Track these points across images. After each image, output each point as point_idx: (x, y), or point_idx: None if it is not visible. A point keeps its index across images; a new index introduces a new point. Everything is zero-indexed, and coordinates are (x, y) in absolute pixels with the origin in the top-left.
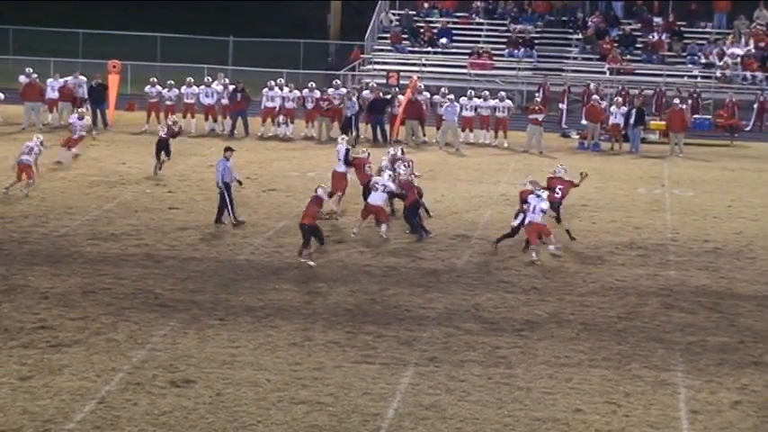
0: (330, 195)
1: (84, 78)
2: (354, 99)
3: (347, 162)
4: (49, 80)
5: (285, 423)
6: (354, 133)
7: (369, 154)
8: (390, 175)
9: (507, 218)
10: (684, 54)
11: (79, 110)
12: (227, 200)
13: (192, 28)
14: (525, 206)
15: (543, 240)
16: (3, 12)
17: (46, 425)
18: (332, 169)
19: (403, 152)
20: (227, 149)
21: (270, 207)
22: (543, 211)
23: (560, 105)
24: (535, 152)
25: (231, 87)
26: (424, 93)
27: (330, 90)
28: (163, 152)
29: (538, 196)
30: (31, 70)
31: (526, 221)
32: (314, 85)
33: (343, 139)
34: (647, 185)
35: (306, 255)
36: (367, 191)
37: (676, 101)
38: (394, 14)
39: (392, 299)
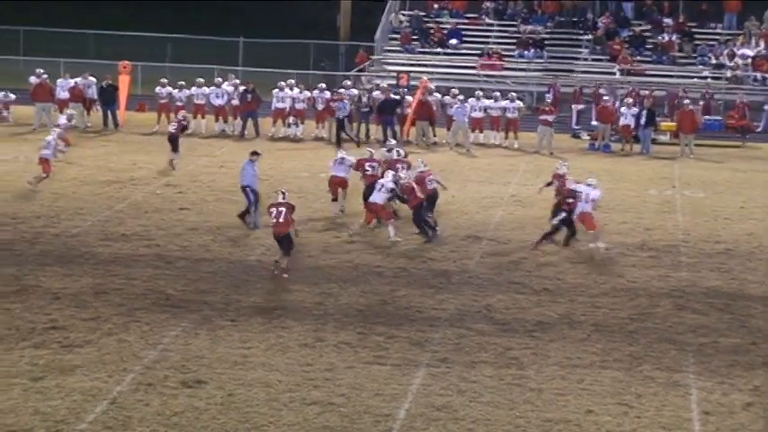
0: (334, 199)
1: (93, 79)
2: (346, 101)
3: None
4: (59, 80)
5: (297, 424)
6: (351, 134)
7: (372, 153)
8: (394, 176)
9: (518, 218)
10: (695, 55)
11: (68, 112)
12: (254, 203)
13: (201, 29)
14: (570, 200)
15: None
16: (12, 12)
17: (57, 425)
18: (330, 175)
19: (399, 154)
20: (254, 153)
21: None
22: (594, 200)
23: (572, 106)
24: (546, 153)
25: (241, 88)
26: (435, 93)
27: (341, 90)
28: (177, 140)
29: (589, 185)
30: (42, 71)
31: (577, 212)
32: (324, 85)
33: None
34: (658, 186)
35: (279, 267)
36: (369, 192)
37: (686, 101)
38: (404, 15)
39: (403, 300)
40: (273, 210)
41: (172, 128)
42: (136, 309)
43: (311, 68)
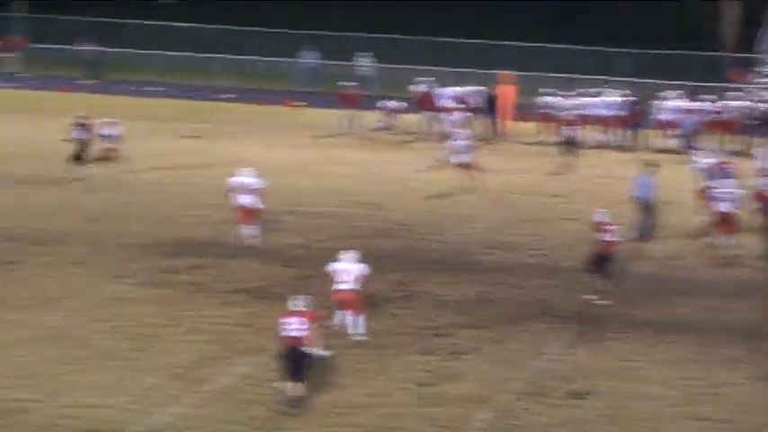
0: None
1: (478, 88)
2: (694, 116)
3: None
4: (440, 89)
5: None
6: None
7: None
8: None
9: None
10: None
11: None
12: (648, 216)
13: (582, 40)
14: None
15: None
16: (403, 22)
17: (443, 431)
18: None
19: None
20: (651, 164)
21: (667, 221)
22: None
23: None
24: None
25: (628, 99)
26: None
27: (723, 103)
28: (569, 149)
29: None
30: (432, 79)
31: None
32: (715, 97)
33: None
34: None
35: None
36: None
37: None
38: None
39: None
40: (607, 227)
41: (566, 131)
42: (520, 318)
43: (695, 80)
